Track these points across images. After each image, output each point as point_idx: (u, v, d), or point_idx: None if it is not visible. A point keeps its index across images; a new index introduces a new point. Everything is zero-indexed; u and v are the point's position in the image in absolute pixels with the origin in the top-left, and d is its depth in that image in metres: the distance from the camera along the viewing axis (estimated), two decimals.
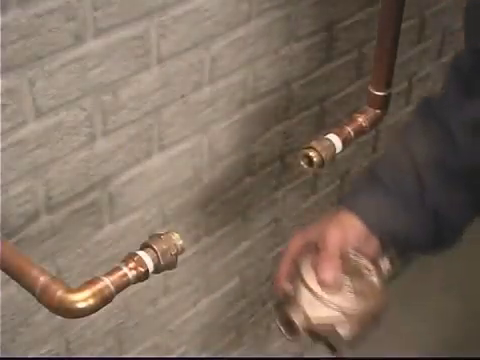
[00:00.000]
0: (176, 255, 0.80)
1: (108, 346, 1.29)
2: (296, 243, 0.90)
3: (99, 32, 0.99)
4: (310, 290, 0.83)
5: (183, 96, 1.16)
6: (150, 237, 0.80)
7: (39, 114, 0.97)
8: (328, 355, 0.87)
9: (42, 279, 0.74)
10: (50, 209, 1.06)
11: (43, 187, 1.03)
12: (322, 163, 1.04)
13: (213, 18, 1.14)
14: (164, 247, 0.79)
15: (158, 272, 0.79)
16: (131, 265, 0.76)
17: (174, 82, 1.13)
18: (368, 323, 0.84)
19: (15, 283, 0.77)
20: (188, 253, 1.34)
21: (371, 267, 0.87)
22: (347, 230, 0.87)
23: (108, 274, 0.75)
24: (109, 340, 1.28)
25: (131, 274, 0.76)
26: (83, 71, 0.99)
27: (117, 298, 0.76)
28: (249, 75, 1.26)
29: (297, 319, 0.81)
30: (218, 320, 1.52)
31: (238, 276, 1.52)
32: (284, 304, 0.84)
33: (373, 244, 0.88)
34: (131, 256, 0.77)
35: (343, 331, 0.82)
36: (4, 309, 1.06)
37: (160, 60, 1.09)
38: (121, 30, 1.01)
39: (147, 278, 0.78)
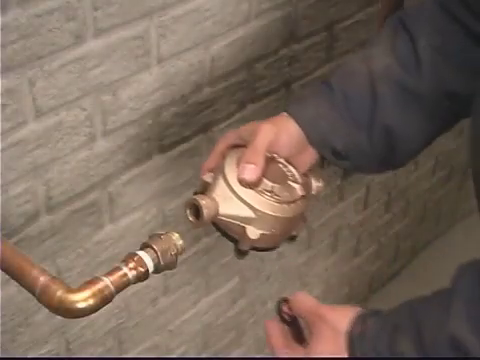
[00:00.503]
0: (176, 255, 0.80)
1: (108, 346, 1.29)
2: (228, 137, 0.87)
3: (99, 32, 0.99)
4: (227, 184, 0.80)
5: (183, 96, 1.16)
6: (150, 237, 0.80)
7: (39, 114, 0.97)
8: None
9: (42, 279, 0.73)
10: (50, 209, 1.06)
11: (43, 187, 1.03)
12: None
13: (213, 18, 1.14)
14: (164, 247, 0.79)
15: (158, 272, 0.79)
16: (131, 265, 0.76)
17: (174, 82, 1.13)
18: (279, 234, 0.82)
19: (15, 283, 0.77)
20: (188, 253, 1.34)
21: (298, 178, 0.84)
22: (281, 134, 0.83)
23: (108, 274, 0.75)
24: (109, 340, 1.28)
25: (131, 274, 0.75)
26: (83, 71, 0.99)
27: (117, 298, 0.76)
28: (249, 75, 1.26)
29: (206, 209, 0.78)
30: (218, 320, 1.53)
31: (238, 276, 1.52)
32: (199, 193, 0.81)
33: (308, 155, 0.85)
34: (131, 256, 0.77)
35: (252, 234, 0.80)
36: (4, 309, 1.06)
37: (160, 60, 1.09)
38: (121, 30, 1.01)
39: (147, 278, 0.78)
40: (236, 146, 0.85)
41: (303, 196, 0.83)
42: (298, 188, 0.83)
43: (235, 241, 0.82)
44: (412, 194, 2.00)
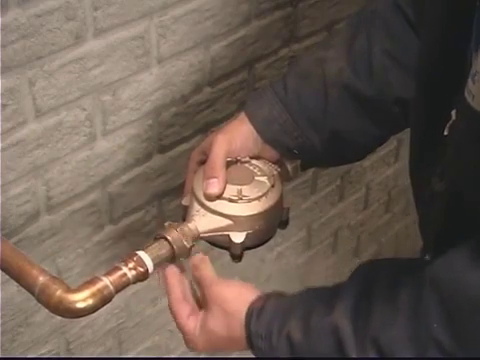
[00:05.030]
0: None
1: (108, 346, 1.29)
2: (194, 156, 0.91)
3: (99, 32, 0.99)
4: (199, 202, 0.84)
5: (183, 96, 1.16)
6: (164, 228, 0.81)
7: (39, 114, 0.97)
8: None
9: (42, 279, 0.73)
10: (50, 209, 1.06)
11: (43, 187, 1.03)
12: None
13: (213, 18, 1.14)
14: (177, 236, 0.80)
15: (173, 261, 0.81)
16: (131, 265, 0.76)
17: (174, 82, 1.13)
18: (264, 228, 0.85)
19: (15, 283, 0.77)
20: None
21: (265, 170, 0.87)
22: (235, 139, 0.86)
23: (108, 274, 0.75)
24: (109, 340, 1.28)
25: (131, 274, 0.76)
26: (83, 71, 0.99)
27: (117, 298, 0.76)
28: (249, 75, 1.26)
29: (189, 230, 0.82)
30: None
31: (238, 276, 1.52)
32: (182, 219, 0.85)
33: (271, 150, 0.88)
34: (131, 256, 0.77)
35: (237, 238, 0.83)
36: (4, 309, 1.06)
37: (160, 60, 1.09)
38: (121, 30, 1.01)
39: (147, 278, 0.78)
40: (204, 162, 0.88)
41: (273, 185, 0.86)
42: (266, 180, 0.86)
43: (226, 248, 0.85)
44: (412, 194, 1.99)
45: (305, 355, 0.71)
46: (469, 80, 0.63)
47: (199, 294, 0.81)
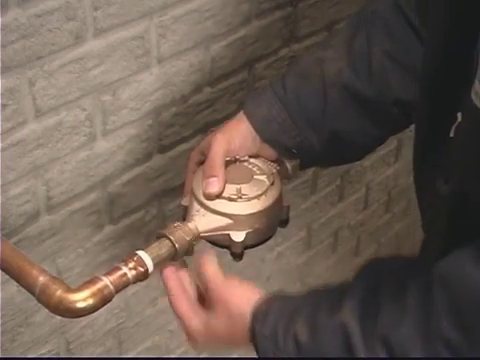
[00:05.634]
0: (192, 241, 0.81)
1: (108, 346, 1.29)
2: (193, 156, 0.91)
3: (99, 32, 0.99)
4: (199, 202, 0.84)
5: (183, 96, 1.16)
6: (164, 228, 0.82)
7: (39, 114, 0.97)
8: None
9: (42, 279, 0.73)
10: (50, 209, 1.06)
11: (43, 187, 1.03)
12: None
13: (213, 18, 1.14)
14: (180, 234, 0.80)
15: (176, 259, 0.81)
16: (131, 265, 0.76)
17: (174, 82, 1.13)
18: (264, 226, 0.85)
19: (15, 283, 0.77)
20: None
21: (264, 168, 0.87)
22: (234, 139, 0.87)
23: (108, 274, 0.75)
24: (109, 340, 1.28)
25: (131, 274, 0.76)
26: (83, 71, 0.99)
27: (117, 298, 0.76)
28: (249, 75, 1.26)
29: (190, 230, 0.82)
30: None
31: (238, 276, 1.52)
32: (183, 219, 0.85)
33: (270, 148, 0.88)
34: (131, 256, 0.77)
35: (237, 237, 0.83)
36: (4, 309, 1.06)
37: (160, 60, 1.09)
38: (121, 30, 1.01)
39: (147, 278, 0.78)
40: (203, 162, 0.88)
41: (272, 184, 0.86)
42: (265, 178, 0.86)
43: (227, 247, 0.85)
44: (412, 194, 1.99)
45: (312, 355, 0.70)
46: (476, 81, 0.62)
47: (202, 290, 0.81)
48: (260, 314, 0.74)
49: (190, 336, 0.80)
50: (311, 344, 0.70)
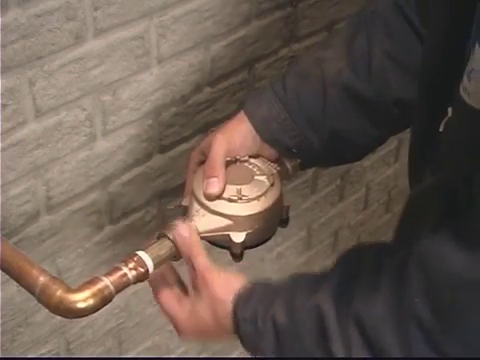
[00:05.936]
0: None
1: (108, 346, 1.29)
2: (193, 156, 0.91)
3: (99, 32, 0.99)
4: (199, 202, 0.84)
5: (183, 96, 1.16)
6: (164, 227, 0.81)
7: (39, 114, 0.97)
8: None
9: (42, 279, 0.73)
10: (50, 209, 1.06)
11: (43, 187, 1.03)
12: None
13: (213, 18, 1.14)
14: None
15: (177, 260, 0.81)
16: (131, 265, 0.76)
17: (174, 82, 1.13)
18: (264, 227, 0.85)
19: (15, 283, 0.77)
20: None
21: (264, 169, 0.87)
22: (234, 139, 0.87)
23: (108, 274, 0.75)
24: (109, 340, 1.28)
25: (131, 274, 0.76)
26: (83, 71, 0.99)
27: (117, 298, 0.76)
28: (249, 75, 1.26)
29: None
30: None
31: None
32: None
33: (270, 148, 0.89)
34: (131, 256, 0.77)
35: (237, 238, 0.83)
36: (4, 309, 1.06)
37: (160, 60, 1.09)
38: (121, 30, 1.01)
39: (147, 278, 0.78)
40: (203, 162, 0.88)
41: (272, 184, 0.86)
42: (265, 179, 0.86)
43: (227, 247, 0.85)
44: None
45: (289, 337, 0.71)
46: (464, 77, 0.63)
47: (188, 276, 0.81)
48: (242, 299, 0.76)
49: (178, 326, 0.81)
50: (288, 325, 0.71)
